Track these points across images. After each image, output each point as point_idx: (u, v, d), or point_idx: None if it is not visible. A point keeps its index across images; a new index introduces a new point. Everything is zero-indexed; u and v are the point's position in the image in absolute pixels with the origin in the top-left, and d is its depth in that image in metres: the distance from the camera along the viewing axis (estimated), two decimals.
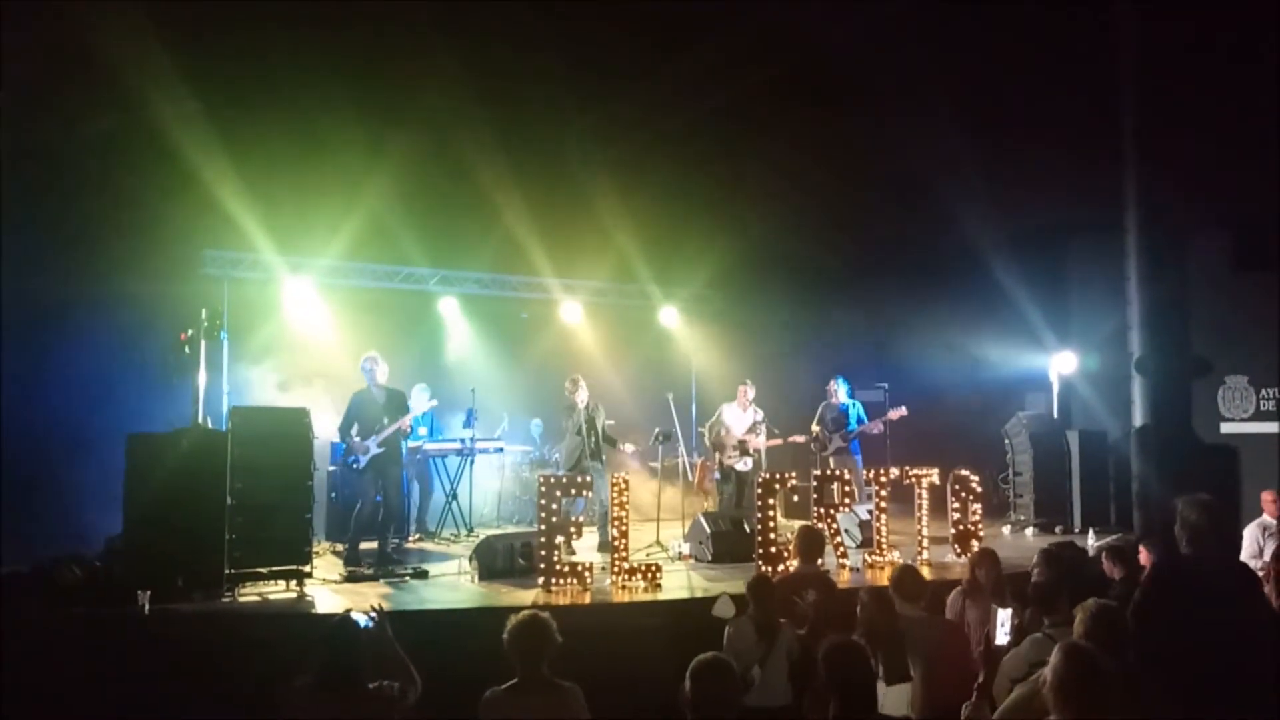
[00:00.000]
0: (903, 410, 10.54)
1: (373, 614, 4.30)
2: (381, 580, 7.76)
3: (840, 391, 11.01)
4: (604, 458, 9.78)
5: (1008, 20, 11.76)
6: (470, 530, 10.63)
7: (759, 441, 10.44)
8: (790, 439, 11.01)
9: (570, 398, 9.64)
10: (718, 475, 10.66)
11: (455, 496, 10.67)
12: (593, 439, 9.53)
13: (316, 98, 10.21)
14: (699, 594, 7.23)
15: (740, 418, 10.48)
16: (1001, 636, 4.75)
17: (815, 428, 11.03)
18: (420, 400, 10.41)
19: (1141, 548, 6.74)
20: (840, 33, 11.32)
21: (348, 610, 4.53)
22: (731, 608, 5.32)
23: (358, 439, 8.58)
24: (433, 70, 10.48)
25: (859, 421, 10.85)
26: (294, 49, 9.90)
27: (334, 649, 3.95)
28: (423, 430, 10.60)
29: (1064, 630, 4.08)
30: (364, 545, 8.60)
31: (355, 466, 8.64)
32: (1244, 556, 8.11)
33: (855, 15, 11.11)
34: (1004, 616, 4.83)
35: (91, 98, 9.07)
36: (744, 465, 10.42)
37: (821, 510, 8.31)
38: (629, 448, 10.09)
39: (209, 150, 9.57)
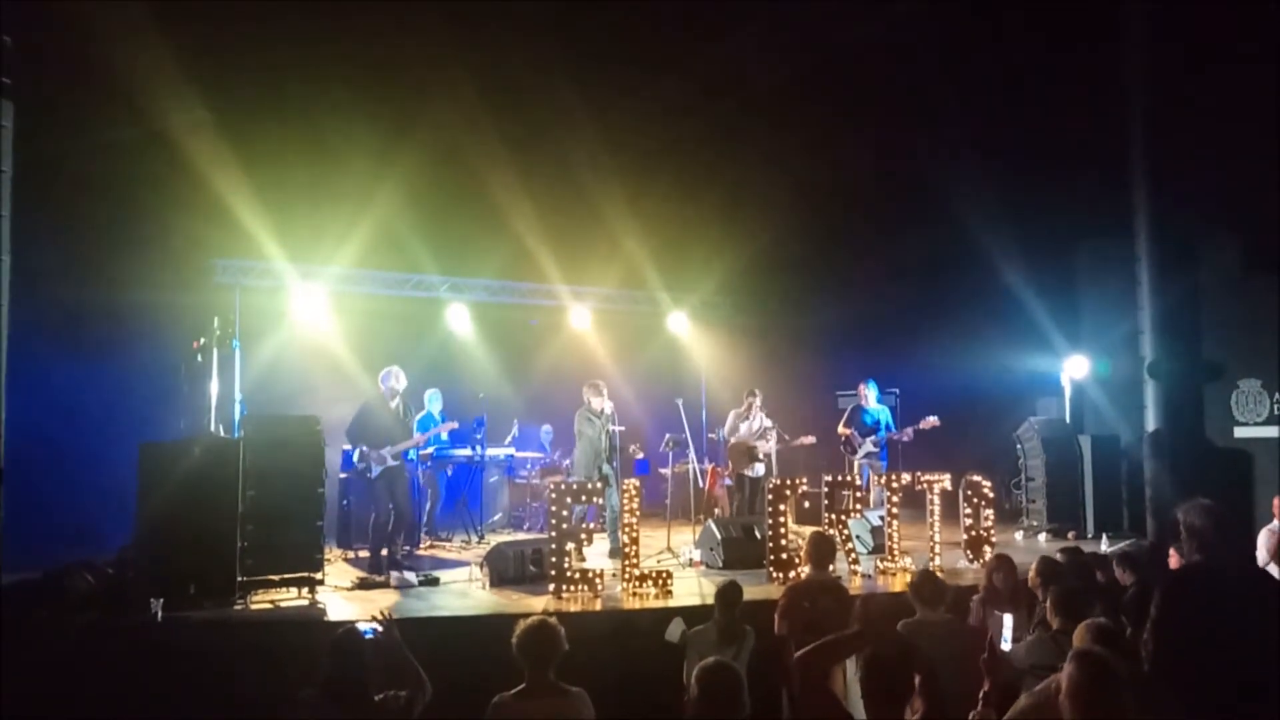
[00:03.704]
0: (934, 420, 10.55)
1: (379, 622, 4.32)
2: (393, 587, 7.77)
3: (870, 396, 11.03)
4: (617, 463, 9.78)
5: (1017, 25, 11.77)
6: (481, 537, 10.63)
7: (769, 446, 10.44)
8: (797, 441, 10.94)
9: (591, 399, 9.62)
10: (729, 481, 10.65)
11: (466, 503, 10.67)
12: (607, 443, 9.55)
13: (326, 106, 10.28)
14: (710, 601, 7.19)
15: (747, 425, 10.48)
16: (1005, 643, 4.72)
17: (844, 430, 11.00)
18: (434, 406, 10.50)
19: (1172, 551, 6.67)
20: (849, 40, 11.34)
21: (352, 621, 4.54)
22: (680, 630, 5.46)
23: (371, 449, 8.63)
24: (441, 79, 10.54)
25: (888, 428, 10.87)
26: (304, 58, 9.96)
27: (338, 661, 3.97)
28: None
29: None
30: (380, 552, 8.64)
31: (369, 475, 8.69)
32: (1259, 563, 8.03)
33: (866, 22, 11.12)
34: (1008, 622, 4.81)
35: (103, 108, 9.13)
36: (756, 471, 10.42)
37: (833, 516, 8.29)
38: (639, 455, 10.13)
39: (220, 159, 9.63)
